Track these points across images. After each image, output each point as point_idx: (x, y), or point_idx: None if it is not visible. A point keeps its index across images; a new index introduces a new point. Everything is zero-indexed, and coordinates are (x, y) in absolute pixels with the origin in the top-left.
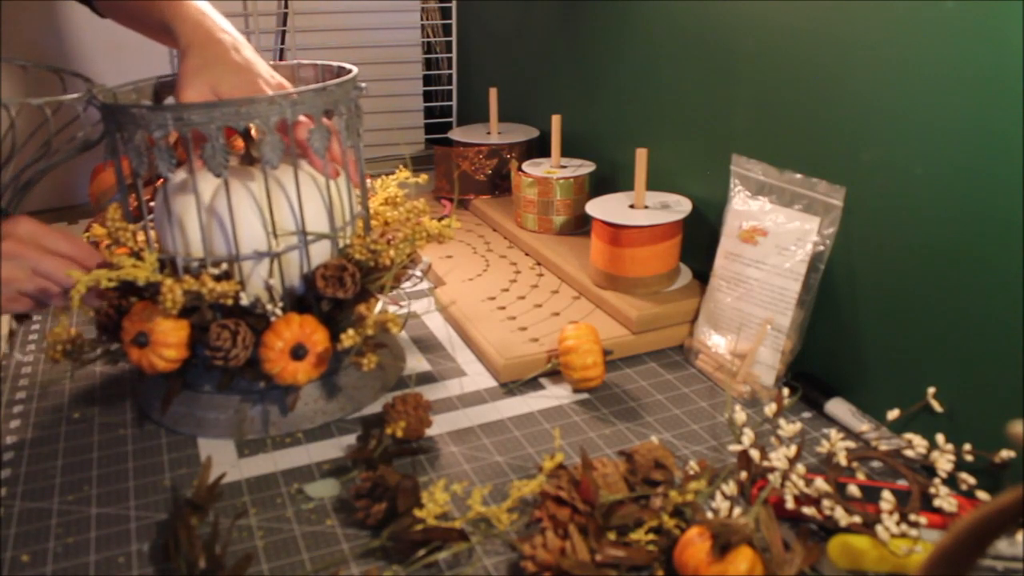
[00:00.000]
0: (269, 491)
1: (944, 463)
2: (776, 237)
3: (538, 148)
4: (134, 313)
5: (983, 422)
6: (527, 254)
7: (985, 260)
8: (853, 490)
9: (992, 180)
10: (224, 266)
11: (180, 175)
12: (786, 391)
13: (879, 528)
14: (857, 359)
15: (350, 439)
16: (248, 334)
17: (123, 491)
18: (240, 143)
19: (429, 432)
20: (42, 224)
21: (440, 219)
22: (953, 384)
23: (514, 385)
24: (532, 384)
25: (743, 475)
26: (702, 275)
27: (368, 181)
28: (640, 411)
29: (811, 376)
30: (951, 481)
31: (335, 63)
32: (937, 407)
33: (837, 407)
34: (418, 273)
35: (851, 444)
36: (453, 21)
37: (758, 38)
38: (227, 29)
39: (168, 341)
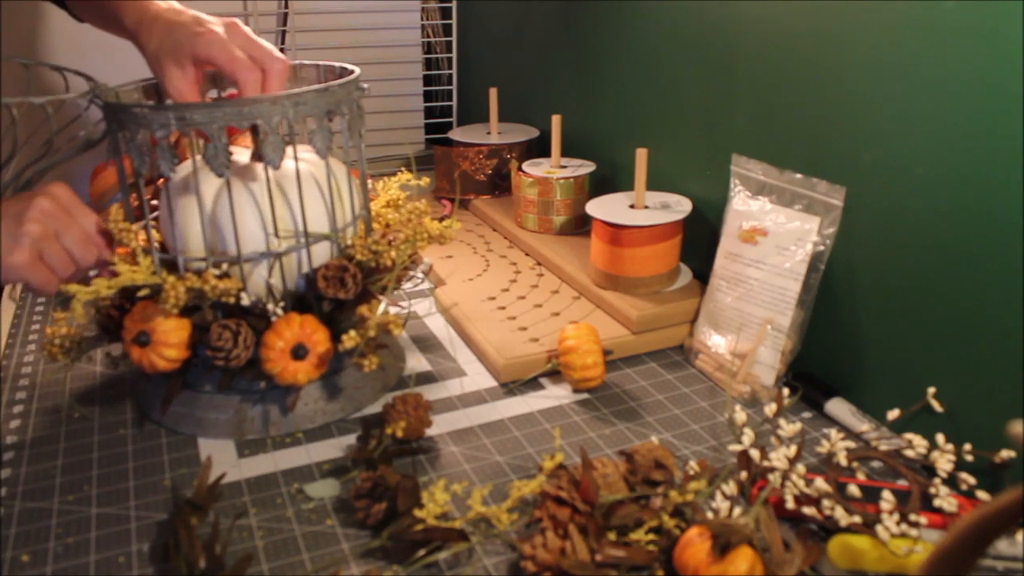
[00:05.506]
0: (269, 491)
1: (944, 463)
2: (776, 237)
3: (538, 148)
4: (136, 312)
5: (983, 422)
6: (527, 254)
7: (985, 260)
8: (853, 490)
9: (992, 180)
10: (225, 266)
11: (182, 174)
12: (786, 391)
13: (879, 528)
14: (857, 359)
15: (350, 439)
16: (249, 334)
17: (123, 491)
18: (247, 140)
19: (429, 432)
20: (74, 194)
21: (441, 219)
22: (953, 384)
23: (514, 385)
24: (532, 384)
25: (743, 475)
26: (702, 275)
27: (369, 182)
28: (640, 411)
29: (811, 376)
30: (951, 481)
31: (337, 64)
32: (937, 407)
33: (837, 407)
34: (419, 274)
35: (851, 444)
36: (453, 21)
37: (758, 38)
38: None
39: (169, 341)
